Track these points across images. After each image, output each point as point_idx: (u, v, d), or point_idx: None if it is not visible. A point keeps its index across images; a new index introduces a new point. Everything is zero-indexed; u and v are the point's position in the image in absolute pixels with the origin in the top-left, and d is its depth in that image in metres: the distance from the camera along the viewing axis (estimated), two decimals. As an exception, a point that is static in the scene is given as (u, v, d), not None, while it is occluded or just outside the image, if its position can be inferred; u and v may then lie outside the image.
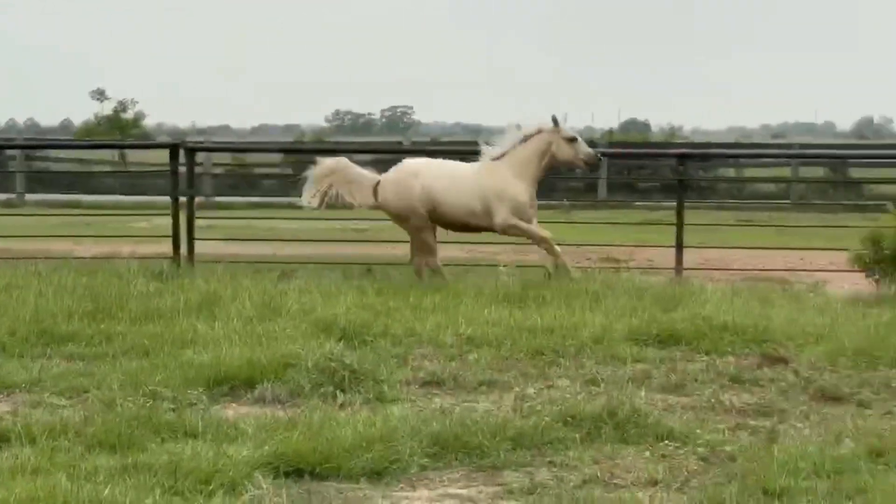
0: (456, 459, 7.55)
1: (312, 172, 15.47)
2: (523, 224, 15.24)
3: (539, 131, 15.33)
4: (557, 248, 15.26)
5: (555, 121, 15.29)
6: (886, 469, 7.21)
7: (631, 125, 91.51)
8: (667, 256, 18.06)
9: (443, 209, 15.19)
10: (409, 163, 15.71)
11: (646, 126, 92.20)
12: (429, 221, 15.26)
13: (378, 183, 15.32)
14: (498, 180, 15.15)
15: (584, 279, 14.65)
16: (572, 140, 15.33)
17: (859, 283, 15.96)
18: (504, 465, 7.48)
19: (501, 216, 15.12)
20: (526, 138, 15.31)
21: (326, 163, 15.55)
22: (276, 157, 42.05)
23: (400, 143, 42.80)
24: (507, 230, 15.30)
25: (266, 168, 42.53)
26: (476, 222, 15.31)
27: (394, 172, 15.44)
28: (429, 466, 7.43)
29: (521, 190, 15.20)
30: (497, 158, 15.32)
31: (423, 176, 15.20)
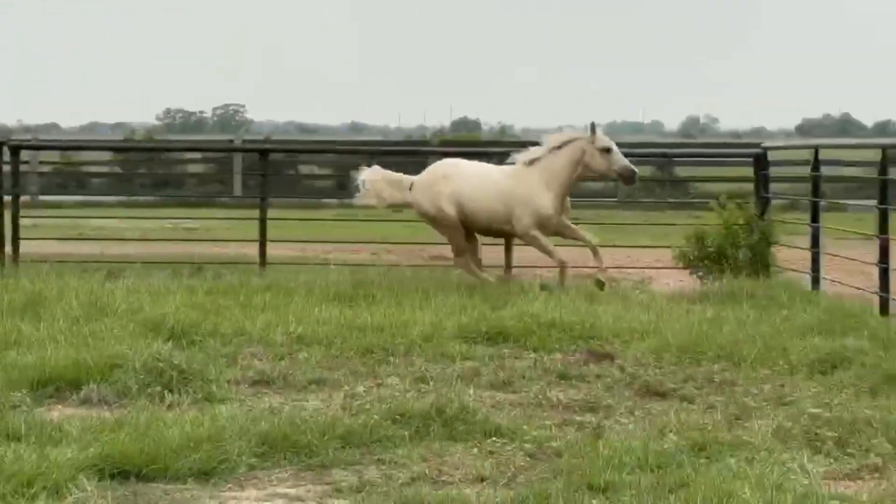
0: (285, 459, 7.53)
1: (364, 177, 15.66)
2: (542, 238, 15.00)
3: (574, 139, 14.94)
4: (569, 272, 15.22)
5: (592, 128, 14.83)
6: (708, 462, 7.35)
7: (462, 124, 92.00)
8: (496, 254, 18.16)
9: (468, 212, 14.94)
10: (441, 165, 15.61)
11: (476, 125, 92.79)
12: (459, 223, 14.99)
13: (412, 184, 15.31)
14: (525, 187, 14.86)
15: (414, 277, 14.72)
16: (607, 150, 14.79)
17: (684, 280, 16.25)
18: (333, 464, 7.48)
19: (523, 224, 14.87)
20: (560, 146, 14.92)
21: (369, 170, 15.76)
22: (106, 156, 41.46)
23: (231, 141, 42.43)
24: (527, 240, 15.07)
25: (95, 167, 41.83)
26: (499, 227, 15.08)
27: (426, 174, 15.36)
28: (257, 466, 7.40)
29: (546, 201, 14.82)
30: (529, 164, 15.00)
31: (452, 178, 14.99)
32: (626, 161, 14.77)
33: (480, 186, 14.96)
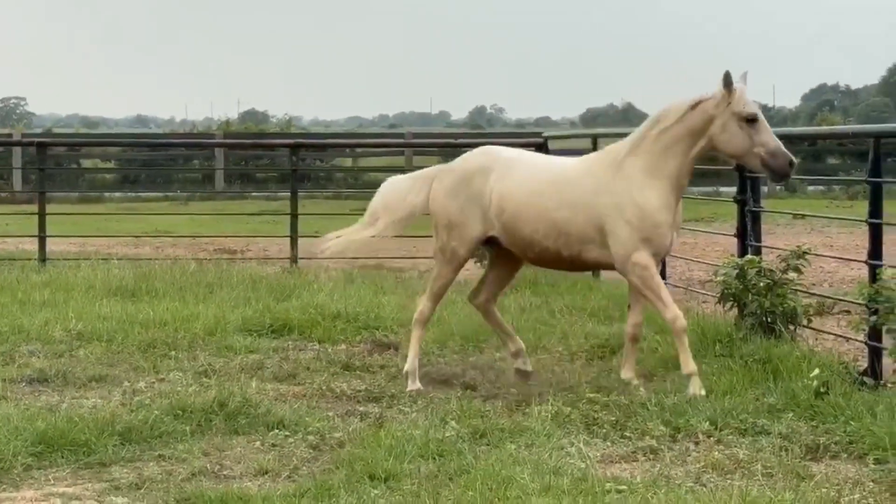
0: (62, 457, 7.38)
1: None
2: (656, 273, 9.24)
3: (698, 103, 9.21)
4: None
5: (727, 81, 9.09)
6: (488, 449, 7.45)
7: (249, 116, 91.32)
8: (282, 246, 18.12)
9: (515, 226, 9.49)
10: (478, 154, 9.99)
11: (264, 116, 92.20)
12: (476, 243, 9.94)
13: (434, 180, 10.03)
14: (623, 185, 9.22)
15: (198, 271, 14.58)
16: (751, 120, 9.09)
17: (469, 269, 16.35)
18: (112, 461, 7.36)
19: (623, 246, 9.14)
20: (681, 117, 9.22)
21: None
22: None
23: (10, 135, 41.37)
24: (630, 272, 9.14)
25: None
26: (574, 252, 9.36)
27: (454, 167, 9.97)
28: (34, 465, 7.24)
29: (659, 203, 9.18)
30: (629, 151, 9.31)
31: (494, 172, 9.61)
32: (778, 143, 9.10)
33: (544, 185, 9.45)
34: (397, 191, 10.21)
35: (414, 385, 9.31)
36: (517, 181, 9.48)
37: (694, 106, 9.20)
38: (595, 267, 10.12)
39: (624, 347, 9.52)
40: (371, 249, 11.05)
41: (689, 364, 8.89)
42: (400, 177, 10.42)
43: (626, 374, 9.28)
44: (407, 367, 9.47)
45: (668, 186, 9.19)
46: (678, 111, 9.25)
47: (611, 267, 9.38)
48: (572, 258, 9.40)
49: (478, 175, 9.62)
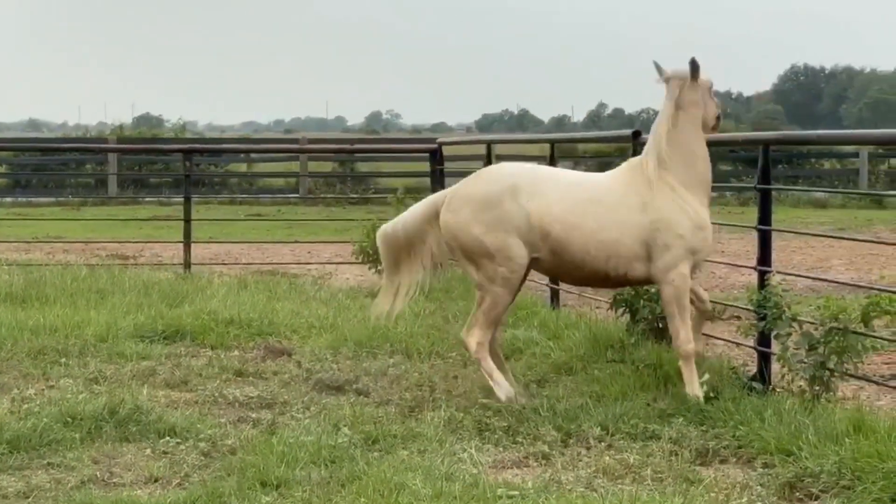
0: (-53, 466, 7.27)
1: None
2: (689, 282, 9.06)
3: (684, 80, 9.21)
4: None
5: (695, 66, 9.18)
6: (381, 455, 7.45)
7: (144, 120, 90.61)
8: (175, 252, 17.98)
9: (564, 248, 9.02)
10: (504, 170, 9.45)
11: (159, 121, 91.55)
12: (524, 269, 9.20)
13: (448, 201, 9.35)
14: (665, 198, 9.02)
15: (90, 276, 14.43)
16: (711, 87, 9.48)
17: (363, 276, 16.37)
18: (0, 470, 7.26)
19: (672, 257, 8.95)
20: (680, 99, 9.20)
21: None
22: None
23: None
24: (669, 283, 8.92)
25: None
26: (620, 271, 9.04)
27: (478, 185, 9.26)
28: (-82, 475, 7.13)
29: (704, 213, 9.18)
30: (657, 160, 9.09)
31: (530, 193, 9.05)
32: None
33: (586, 205, 9.03)
34: (397, 240, 9.50)
35: (521, 398, 8.81)
36: (554, 201, 8.97)
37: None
38: (637, 283, 9.58)
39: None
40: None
41: (693, 387, 8.64)
42: (389, 225, 9.60)
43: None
44: (503, 395, 8.81)
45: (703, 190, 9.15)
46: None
47: (650, 282, 9.17)
48: (618, 278, 9.08)
49: (505, 197, 8.98)
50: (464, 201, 9.11)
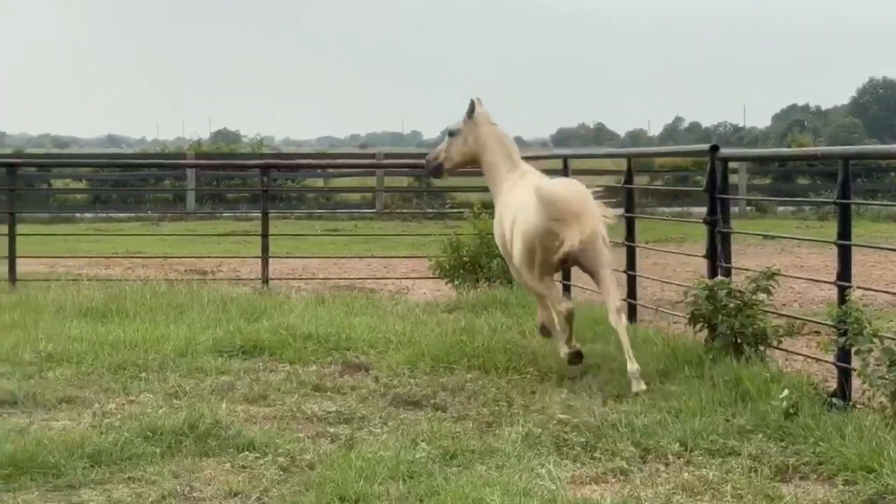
0: (31, 480, 7.34)
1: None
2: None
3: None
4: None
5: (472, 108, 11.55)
6: (459, 471, 7.44)
7: (221, 136, 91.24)
8: (253, 267, 18.10)
9: None
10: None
11: (236, 136, 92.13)
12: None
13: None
14: None
15: (169, 292, 14.56)
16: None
17: (440, 290, 16.41)
18: (82, 484, 7.33)
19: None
20: None
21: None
22: None
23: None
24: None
25: None
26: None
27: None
28: (2, 488, 7.20)
29: None
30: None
31: None
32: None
33: None
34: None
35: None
36: None
37: None
38: None
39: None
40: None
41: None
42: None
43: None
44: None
45: None
46: None
47: None
48: None
49: None
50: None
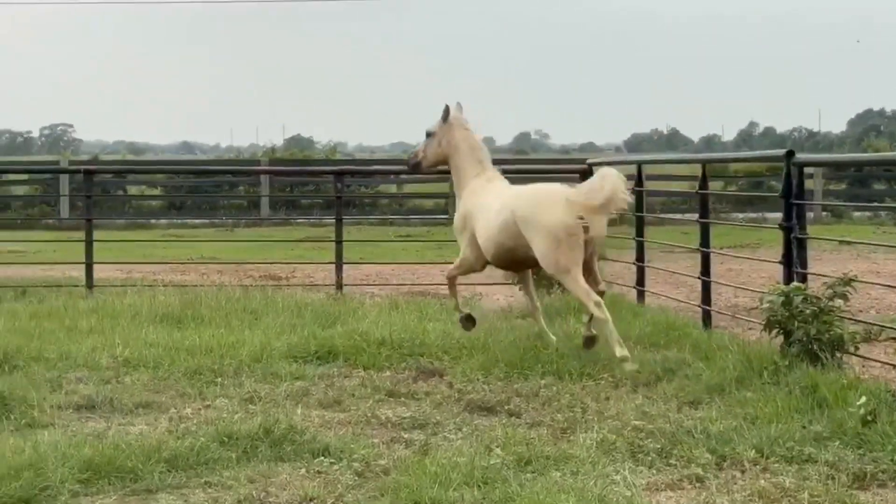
0: (109, 484, 7.41)
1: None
2: None
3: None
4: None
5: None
6: (533, 477, 7.43)
7: (295, 142, 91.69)
8: (327, 273, 18.17)
9: None
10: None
11: (310, 143, 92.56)
12: None
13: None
14: None
15: (243, 297, 14.64)
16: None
17: (514, 296, 16.38)
18: (159, 488, 7.39)
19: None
20: None
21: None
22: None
23: (57, 162, 41.74)
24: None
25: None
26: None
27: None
28: (80, 493, 7.28)
29: None
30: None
31: None
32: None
33: None
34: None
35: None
36: None
37: None
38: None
39: None
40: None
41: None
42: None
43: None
44: None
45: None
46: None
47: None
48: None
49: None
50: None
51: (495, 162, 13.04)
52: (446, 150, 12.53)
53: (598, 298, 11.17)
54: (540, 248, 11.34)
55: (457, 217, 12.52)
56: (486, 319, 13.48)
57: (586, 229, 11.19)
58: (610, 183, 11.07)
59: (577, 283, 11.21)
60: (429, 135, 12.67)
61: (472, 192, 12.24)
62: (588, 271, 11.38)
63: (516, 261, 11.93)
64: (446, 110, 12.52)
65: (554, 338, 11.83)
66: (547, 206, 11.35)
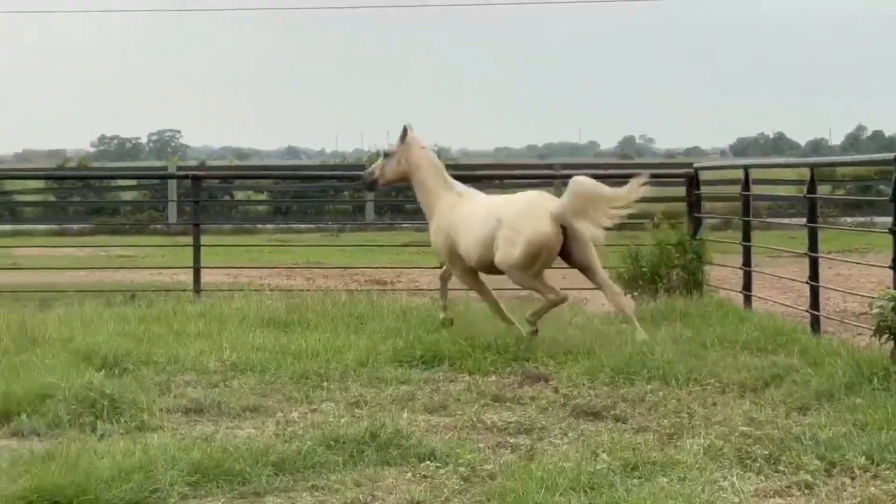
0: (217, 487, 7.49)
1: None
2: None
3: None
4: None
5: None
6: (640, 483, 7.38)
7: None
8: (432, 277, 18.19)
9: None
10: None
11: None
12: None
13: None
14: None
15: (349, 302, 14.70)
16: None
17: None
18: (266, 491, 7.46)
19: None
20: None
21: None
22: (39, 184, 41.19)
23: (165, 168, 42.26)
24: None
25: (28, 195, 41.48)
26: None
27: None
28: (189, 495, 7.36)
29: None
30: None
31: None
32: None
33: None
34: None
35: None
36: None
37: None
38: None
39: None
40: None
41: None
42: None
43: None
44: None
45: None
46: None
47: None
48: None
49: None
50: None
51: (598, 167, 13.11)
52: (406, 168, 13.53)
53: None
54: (515, 255, 12.44)
55: (435, 232, 13.54)
56: (591, 325, 13.43)
57: (573, 236, 12.45)
58: (580, 190, 12.52)
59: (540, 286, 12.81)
60: (387, 155, 13.72)
61: (450, 206, 13.25)
62: (593, 275, 12.93)
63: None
64: (404, 131, 13.46)
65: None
66: (532, 216, 12.46)
